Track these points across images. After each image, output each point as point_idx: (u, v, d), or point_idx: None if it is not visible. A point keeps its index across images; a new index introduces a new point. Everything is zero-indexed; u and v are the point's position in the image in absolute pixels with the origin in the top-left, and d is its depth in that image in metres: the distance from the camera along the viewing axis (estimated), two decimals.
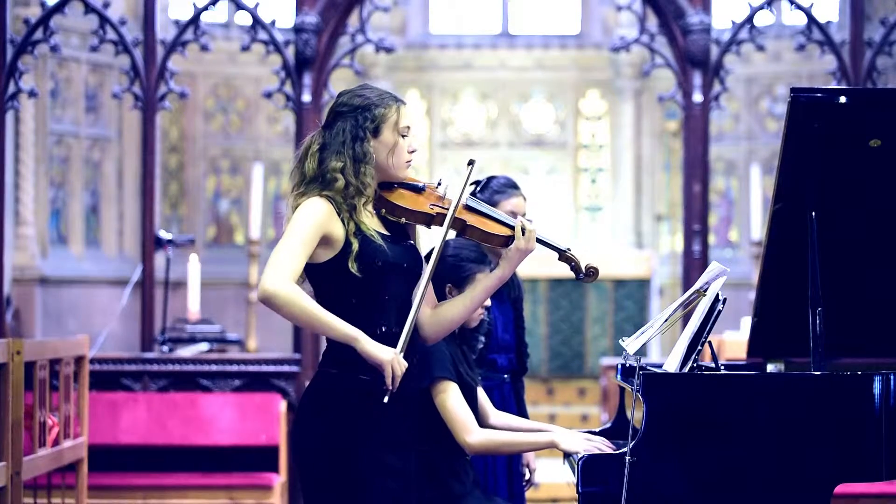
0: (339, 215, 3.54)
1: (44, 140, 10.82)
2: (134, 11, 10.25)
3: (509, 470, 4.76)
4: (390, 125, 3.61)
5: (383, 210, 3.63)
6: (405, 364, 3.47)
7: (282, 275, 3.41)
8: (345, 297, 3.53)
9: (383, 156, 3.60)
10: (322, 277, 3.54)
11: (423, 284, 3.57)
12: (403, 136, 3.63)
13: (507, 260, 3.68)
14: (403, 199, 3.63)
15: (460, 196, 3.63)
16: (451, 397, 4.04)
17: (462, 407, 4.04)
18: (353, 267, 3.50)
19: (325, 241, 3.51)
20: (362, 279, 3.52)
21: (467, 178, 3.66)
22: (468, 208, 3.68)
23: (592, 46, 13.13)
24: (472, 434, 4.02)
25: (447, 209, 3.61)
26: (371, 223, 3.58)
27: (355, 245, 3.52)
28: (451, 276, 4.13)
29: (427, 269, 3.59)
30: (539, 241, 3.70)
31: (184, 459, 7.07)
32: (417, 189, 3.67)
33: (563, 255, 3.75)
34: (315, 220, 3.50)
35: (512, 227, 3.67)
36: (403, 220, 3.65)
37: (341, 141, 3.58)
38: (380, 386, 3.46)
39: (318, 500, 3.56)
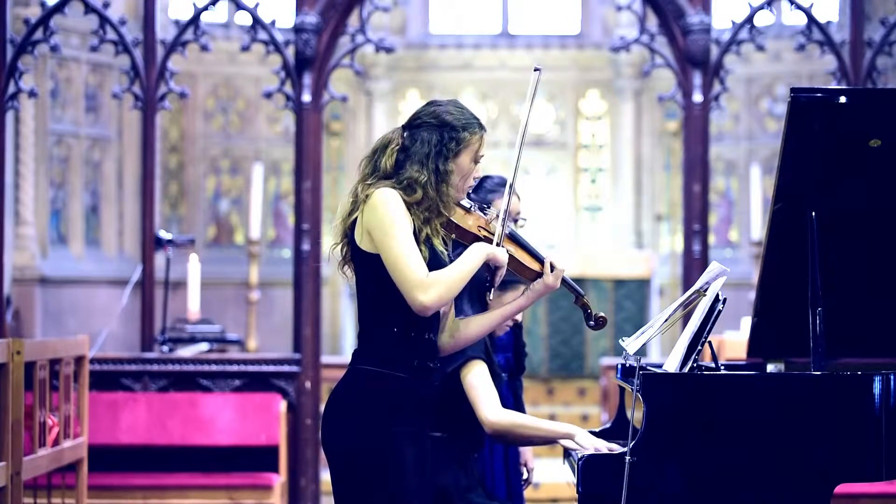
0: (409, 215, 3.59)
1: (44, 140, 10.82)
2: (134, 11, 10.25)
3: (507, 469, 4.76)
4: (470, 151, 3.67)
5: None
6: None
7: (421, 282, 3.49)
8: (396, 296, 3.55)
9: (456, 179, 3.65)
10: (373, 269, 3.57)
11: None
12: (476, 163, 3.69)
13: (533, 292, 3.75)
14: (459, 217, 3.70)
15: (500, 230, 3.68)
16: (480, 375, 4.09)
17: (489, 385, 4.08)
18: None
19: None
20: None
21: (535, 87, 3.73)
22: (510, 237, 3.75)
23: (592, 46, 13.13)
24: (493, 412, 4.03)
25: (492, 234, 3.69)
26: (438, 238, 3.63)
27: (425, 253, 3.57)
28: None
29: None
30: (563, 281, 3.78)
31: (184, 459, 7.07)
32: (466, 209, 3.73)
33: (581, 300, 3.86)
34: (401, 209, 3.55)
35: (542, 262, 3.75)
36: (454, 236, 3.71)
37: (425, 153, 3.61)
38: (489, 282, 3.66)
39: (356, 496, 3.59)
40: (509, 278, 4.10)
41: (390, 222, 3.52)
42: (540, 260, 3.76)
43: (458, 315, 3.98)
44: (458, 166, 3.64)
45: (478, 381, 4.08)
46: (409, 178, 3.59)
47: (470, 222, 3.71)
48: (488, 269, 3.64)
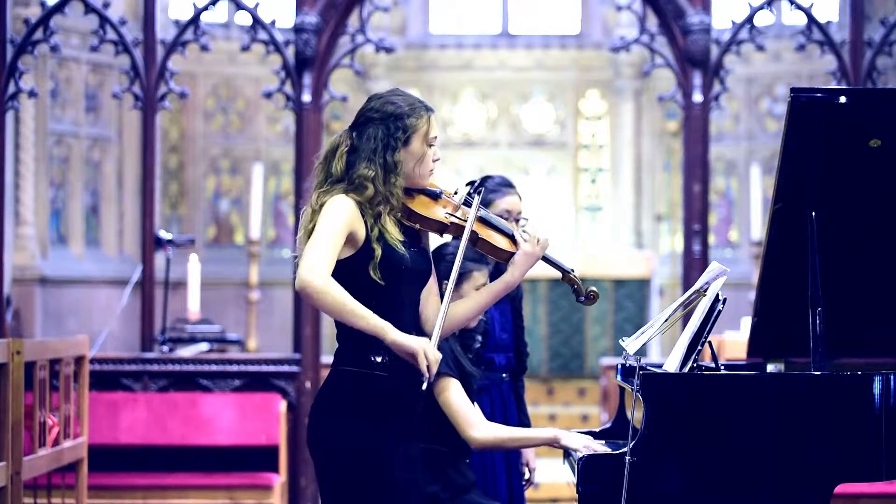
0: (363, 216, 3.57)
1: (44, 140, 10.82)
2: (134, 11, 10.25)
3: (508, 469, 4.77)
4: (420, 135, 3.64)
5: (399, 214, 3.66)
6: (439, 354, 3.50)
7: (316, 267, 3.45)
8: (364, 297, 3.53)
9: (410, 165, 3.63)
10: (340, 274, 3.55)
11: (451, 285, 3.60)
12: (430, 146, 3.67)
13: (515, 265, 3.72)
14: (421, 205, 3.66)
15: (473, 214, 3.66)
16: (453, 393, 4.09)
17: (465, 402, 4.09)
18: (374, 273, 3.54)
19: (348, 238, 3.55)
20: (384, 285, 3.56)
21: (478, 198, 3.69)
22: (481, 220, 3.72)
23: (592, 46, 13.13)
24: (477, 428, 4.06)
25: (461, 219, 3.65)
26: (394, 231, 3.60)
27: (378, 251, 3.55)
28: (448, 273, 4.19)
29: (454, 273, 3.62)
30: (546, 259, 3.74)
31: (184, 459, 7.07)
32: (434, 196, 3.70)
33: (567, 277, 3.80)
34: (344, 216, 3.53)
35: (512, 238, 3.71)
36: (418, 226, 3.68)
37: (372, 148, 3.60)
38: (416, 377, 3.49)
39: (343, 498, 3.58)
40: (465, 269, 4.13)
41: (324, 222, 3.52)
42: (509, 236, 3.72)
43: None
44: (411, 153, 3.62)
45: (455, 399, 4.08)
46: (359, 177, 3.58)
47: (437, 209, 3.67)
48: (408, 363, 3.51)
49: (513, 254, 3.70)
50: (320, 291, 3.43)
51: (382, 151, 3.59)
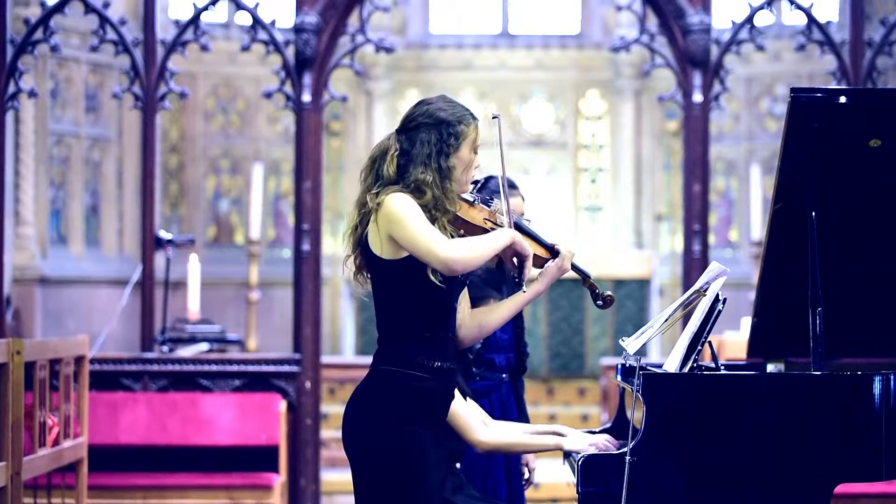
0: None
1: (44, 140, 10.82)
2: (134, 11, 10.25)
3: (508, 469, 4.77)
4: (469, 142, 3.70)
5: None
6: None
7: (443, 243, 3.52)
8: (415, 299, 3.61)
9: (459, 171, 3.68)
10: (393, 275, 3.60)
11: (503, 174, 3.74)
12: (475, 153, 3.73)
13: (545, 275, 3.78)
14: (464, 212, 3.72)
15: (503, 177, 3.75)
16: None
17: (465, 408, 4.08)
18: (434, 276, 3.58)
19: None
20: (442, 288, 3.60)
21: (500, 133, 3.76)
22: (517, 227, 3.77)
23: (592, 46, 13.13)
24: (481, 432, 4.06)
25: (498, 225, 3.73)
26: (445, 235, 3.64)
27: None
28: (470, 291, 4.24)
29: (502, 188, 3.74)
30: (572, 266, 3.82)
31: (184, 459, 7.07)
32: (470, 202, 3.76)
33: (588, 282, 3.91)
34: (413, 204, 3.58)
35: (549, 249, 3.79)
36: (462, 231, 3.73)
37: (427, 153, 3.64)
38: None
39: (378, 496, 3.61)
40: (480, 294, 4.18)
41: (405, 217, 3.55)
42: (546, 246, 3.80)
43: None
44: (460, 159, 3.67)
45: (454, 407, 4.08)
46: (416, 181, 3.62)
47: (475, 215, 3.73)
48: (513, 264, 3.66)
49: (546, 260, 3.78)
50: (462, 254, 3.53)
51: (437, 156, 3.64)
